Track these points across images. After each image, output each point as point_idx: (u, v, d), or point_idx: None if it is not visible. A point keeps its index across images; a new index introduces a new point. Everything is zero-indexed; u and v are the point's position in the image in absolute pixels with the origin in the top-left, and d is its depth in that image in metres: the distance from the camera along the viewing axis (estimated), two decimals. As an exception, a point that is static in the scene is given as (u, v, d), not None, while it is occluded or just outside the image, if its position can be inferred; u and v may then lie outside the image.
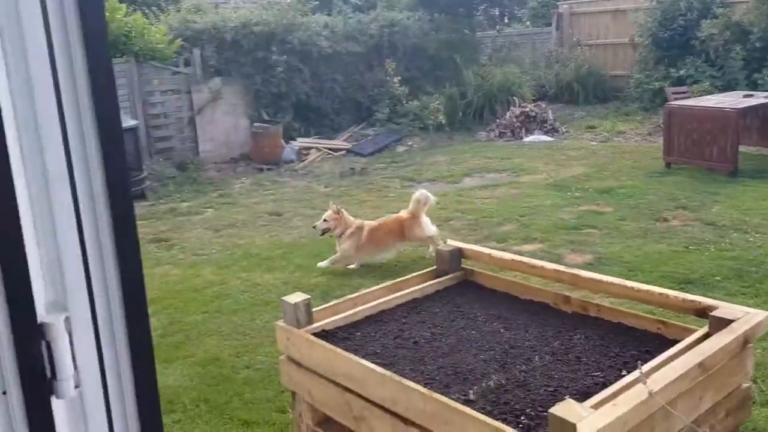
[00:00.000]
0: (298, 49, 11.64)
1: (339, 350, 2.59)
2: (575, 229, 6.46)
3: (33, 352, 0.94)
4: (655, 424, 2.10)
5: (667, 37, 12.93)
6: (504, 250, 4.57)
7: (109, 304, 1.02)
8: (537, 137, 11.73)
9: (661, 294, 2.79)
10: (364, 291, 3.36)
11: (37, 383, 0.96)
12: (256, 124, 11.00)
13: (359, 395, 2.49)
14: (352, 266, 5.86)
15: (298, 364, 2.79)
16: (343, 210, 5.89)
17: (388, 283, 3.43)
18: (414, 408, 2.25)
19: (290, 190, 9.08)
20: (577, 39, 15.44)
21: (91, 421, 1.03)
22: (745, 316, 2.47)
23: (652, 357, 2.40)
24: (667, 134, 8.88)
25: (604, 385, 2.28)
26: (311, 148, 11.36)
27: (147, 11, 11.71)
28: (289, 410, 3.39)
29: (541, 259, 4.27)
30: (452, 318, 3.04)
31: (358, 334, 2.90)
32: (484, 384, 2.41)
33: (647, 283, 3.27)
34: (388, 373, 2.38)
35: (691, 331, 2.58)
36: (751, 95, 9.33)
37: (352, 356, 2.54)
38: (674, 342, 2.53)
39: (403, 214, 5.89)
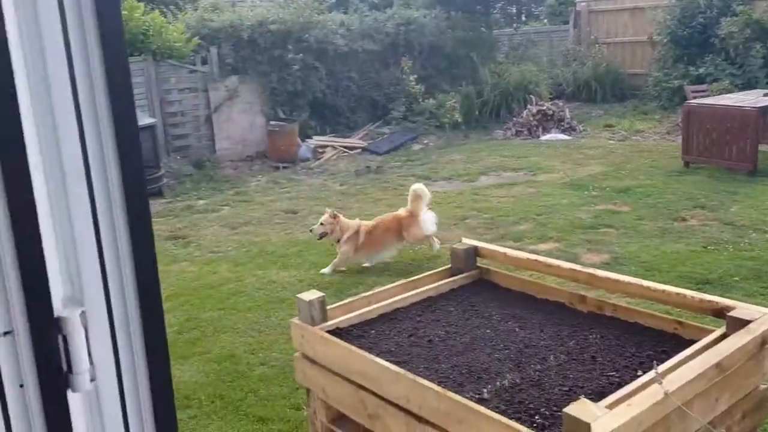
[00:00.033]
0: (314, 47, 11.66)
1: (353, 348, 2.60)
2: (592, 229, 6.42)
3: (50, 346, 0.96)
4: (670, 425, 2.08)
5: (686, 35, 12.79)
6: (520, 249, 4.56)
7: (125, 299, 1.04)
8: (554, 136, 11.67)
9: (678, 294, 2.77)
10: (378, 289, 3.37)
11: (54, 377, 0.97)
12: (272, 123, 11.04)
13: (373, 393, 2.49)
14: (366, 264, 5.85)
15: (313, 362, 2.80)
16: (339, 214, 5.85)
17: (403, 281, 3.43)
18: (428, 406, 2.26)
19: (306, 188, 9.11)
20: (594, 37, 15.33)
21: (107, 414, 1.05)
22: (762, 317, 2.44)
23: (669, 357, 2.39)
24: (685, 133, 8.79)
25: (620, 385, 2.27)
26: (327, 146, 11.38)
27: (165, 10, 11.81)
28: (304, 407, 3.41)
29: (558, 258, 4.26)
30: (467, 317, 3.04)
31: (373, 331, 2.91)
32: (498, 383, 2.41)
33: (664, 283, 3.24)
34: (402, 371, 2.38)
35: (708, 332, 2.56)
36: (771, 94, 9.21)
37: (366, 354, 2.54)
38: (691, 342, 2.51)
39: (402, 212, 5.81)
